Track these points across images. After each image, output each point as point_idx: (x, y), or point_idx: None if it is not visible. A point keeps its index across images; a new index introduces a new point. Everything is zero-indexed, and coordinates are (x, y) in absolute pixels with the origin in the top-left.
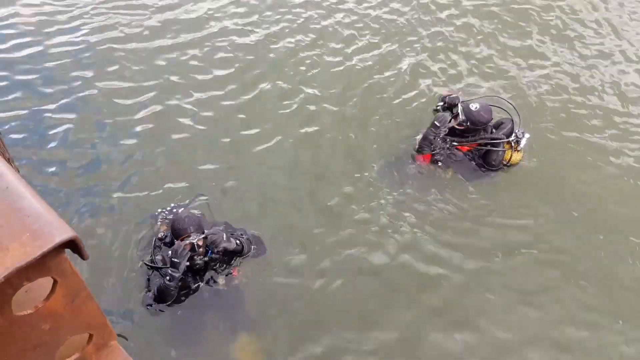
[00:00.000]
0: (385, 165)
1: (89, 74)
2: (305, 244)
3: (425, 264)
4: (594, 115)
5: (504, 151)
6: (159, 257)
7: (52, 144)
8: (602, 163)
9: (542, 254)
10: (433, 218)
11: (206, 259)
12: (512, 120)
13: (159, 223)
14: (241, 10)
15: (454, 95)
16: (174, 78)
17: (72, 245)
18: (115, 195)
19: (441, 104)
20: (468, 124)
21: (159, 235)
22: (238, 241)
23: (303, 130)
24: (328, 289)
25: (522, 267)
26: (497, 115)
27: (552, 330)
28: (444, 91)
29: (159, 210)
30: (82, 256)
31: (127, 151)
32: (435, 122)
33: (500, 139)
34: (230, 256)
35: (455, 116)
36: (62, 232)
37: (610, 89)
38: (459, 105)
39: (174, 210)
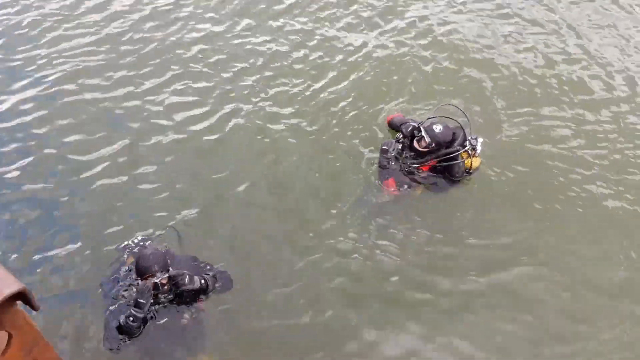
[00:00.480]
0: (362, 195)
1: (46, 129)
2: (277, 279)
3: (409, 292)
4: (561, 124)
5: (463, 161)
6: (122, 292)
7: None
8: (572, 173)
9: (522, 269)
10: (412, 244)
11: (170, 296)
12: (463, 129)
13: (125, 256)
14: (203, 49)
15: (410, 127)
16: (134, 125)
17: (22, 297)
18: (79, 230)
19: (400, 136)
20: (433, 145)
21: (124, 269)
22: (203, 280)
23: (274, 165)
24: (302, 323)
25: (503, 285)
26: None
27: (540, 347)
28: (388, 117)
29: (125, 242)
30: (33, 307)
31: (91, 194)
32: (383, 146)
33: (457, 151)
34: (195, 294)
35: (420, 139)
36: (10, 285)
37: (577, 97)
38: (422, 128)
39: (141, 242)
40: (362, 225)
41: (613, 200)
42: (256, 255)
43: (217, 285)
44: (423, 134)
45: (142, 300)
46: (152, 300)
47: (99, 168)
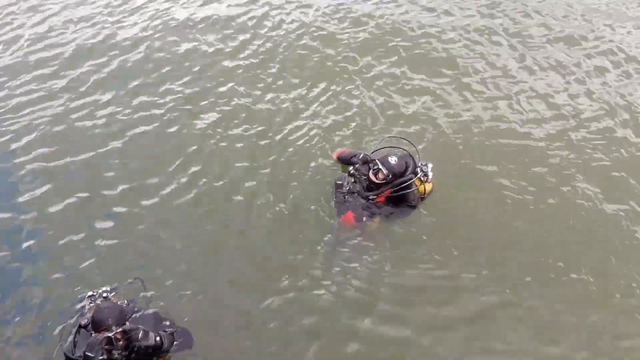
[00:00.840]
0: (325, 233)
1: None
2: (244, 335)
3: (384, 330)
4: (516, 152)
5: (417, 187)
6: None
7: None
8: (528, 194)
9: (489, 297)
10: (380, 279)
11: (125, 353)
12: (412, 157)
13: (86, 307)
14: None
15: (362, 155)
16: (91, 183)
17: None
18: (44, 283)
19: (352, 170)
20: (390, 176)
21: (83, 322)
22: (158, 337)
23: (237, 213)
24: None
25: (473, 316)
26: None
27: None
28: (337, 152)
29: (90, 293)
30: None
31: (55, 251)
32: (337, 181)
33: (410, 179)
34: (152, 351)
35: (377, 172)
36: None
37: (530, 124)
38: (378, 161)
39: (104, 294)
40: (328, 264)
41: (571, 220)
42: (223, 307)
43: (175, 343)
44: (380, 166)
45: (90, 354)
46: (105, 356)
47: (60, 228)
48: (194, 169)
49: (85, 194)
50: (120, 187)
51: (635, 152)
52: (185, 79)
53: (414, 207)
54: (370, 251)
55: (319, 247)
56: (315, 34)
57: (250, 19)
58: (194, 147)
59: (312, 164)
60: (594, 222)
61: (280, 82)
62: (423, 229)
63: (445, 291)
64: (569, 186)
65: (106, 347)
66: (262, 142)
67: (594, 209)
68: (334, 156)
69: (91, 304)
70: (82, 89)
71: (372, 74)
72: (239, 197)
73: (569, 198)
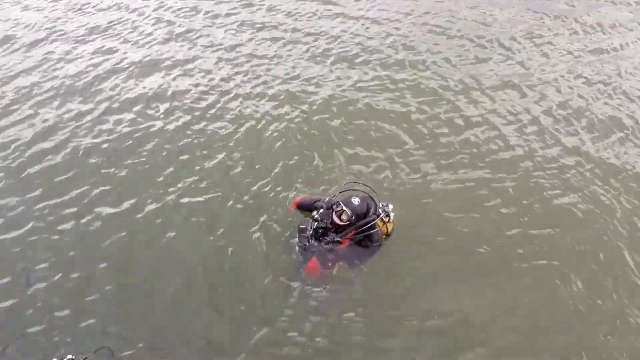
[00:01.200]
0: (290, 283)
1: None
2: None
3: None
4: (480, 196)
5: (380, 228)
6: None
7: None
8: (489, 235)
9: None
10: (350, 336)
11: None
12: (372, 198)
13: None
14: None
15: (326, 200)
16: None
17: None
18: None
19: (316, 214)
20: (353, 218)
21: None
22: None
23: (203, 272)
24: None
25: None
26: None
27: None
28: (295, 200)
29: None
30: None
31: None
32: (300, 226)
33: (373, 220)
34: None
35: (341, 214)
36: None
37: (492, 167)
38: (341, 203)
39: None
40: (294, 316)
41: (535, 259)
42: None
43: None
44: (344, 208)
45: None
46: None
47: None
48: (163, 241)
49: (45, 264)
50: (92, 266)
51: (598, 191)
52: (146, 156)
53: (378, 246)
54: (343, 304)
55: (291, 298)
56: (275, 101)
57: (215, 94)
58: (160, 220)
59: (275, 216)
60: (574, 264)
61: (241, 144)
62: (390, 278)
63: (429, 348)
64: (535, 229)
65: None
66: (223, 203)
67: (566, 249)
68: (293, 204)
69: None
70: (52, 179)
71: (330, 124)
72: (205, 262)
73: (538, 242)
